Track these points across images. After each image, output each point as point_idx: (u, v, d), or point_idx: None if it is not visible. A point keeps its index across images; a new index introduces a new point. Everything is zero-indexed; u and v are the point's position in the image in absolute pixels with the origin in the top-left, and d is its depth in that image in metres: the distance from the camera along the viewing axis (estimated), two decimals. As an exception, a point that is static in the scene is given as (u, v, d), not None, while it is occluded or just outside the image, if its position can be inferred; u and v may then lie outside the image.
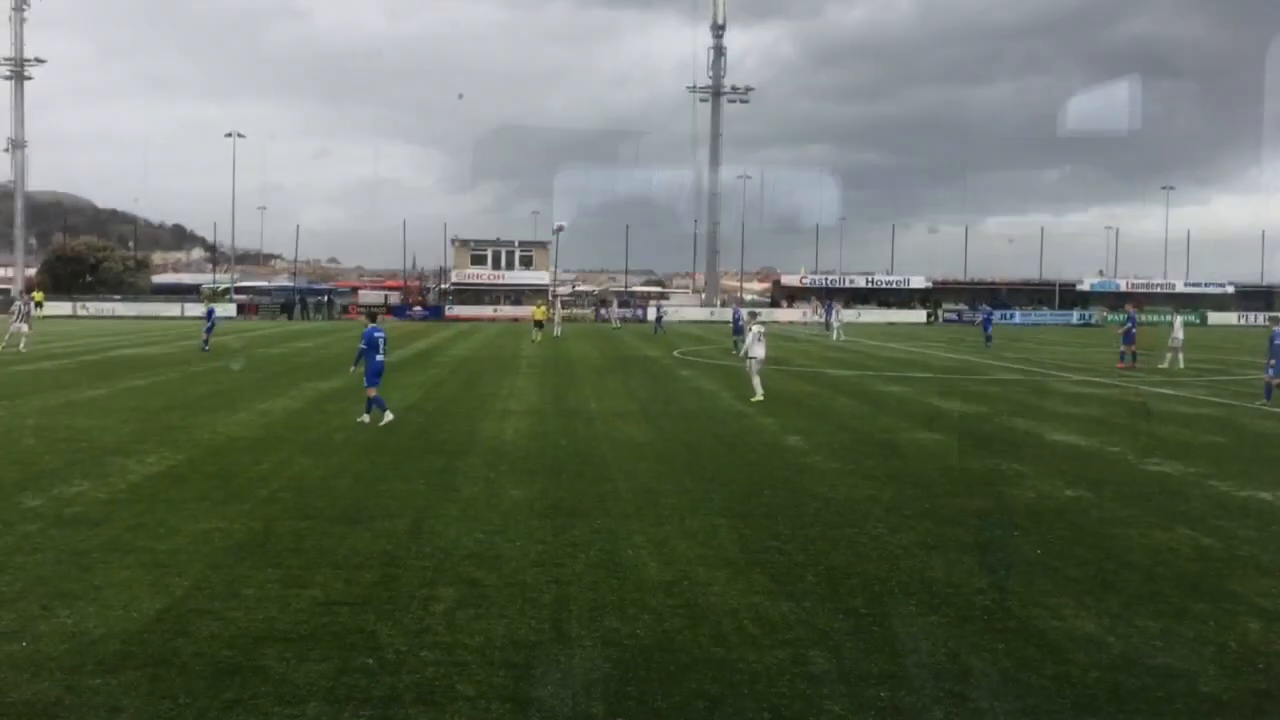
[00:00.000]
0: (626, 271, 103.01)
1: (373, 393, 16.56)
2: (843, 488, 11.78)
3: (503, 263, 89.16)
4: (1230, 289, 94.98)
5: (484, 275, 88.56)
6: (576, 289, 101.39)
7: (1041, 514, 10.53)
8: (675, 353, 38.31)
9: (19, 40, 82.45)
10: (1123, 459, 14.19)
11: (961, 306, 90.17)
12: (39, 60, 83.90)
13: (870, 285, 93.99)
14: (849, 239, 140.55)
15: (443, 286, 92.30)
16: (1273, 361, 21.17)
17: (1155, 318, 68.33)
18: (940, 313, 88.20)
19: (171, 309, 77.59)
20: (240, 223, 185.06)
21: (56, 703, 5.51)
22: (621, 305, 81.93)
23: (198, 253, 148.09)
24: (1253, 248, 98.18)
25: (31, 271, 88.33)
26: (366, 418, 16.50)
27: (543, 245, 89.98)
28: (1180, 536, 9.59)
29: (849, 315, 62.66)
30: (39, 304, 62.30)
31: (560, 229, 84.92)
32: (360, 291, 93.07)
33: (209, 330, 35.29)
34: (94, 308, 78.00)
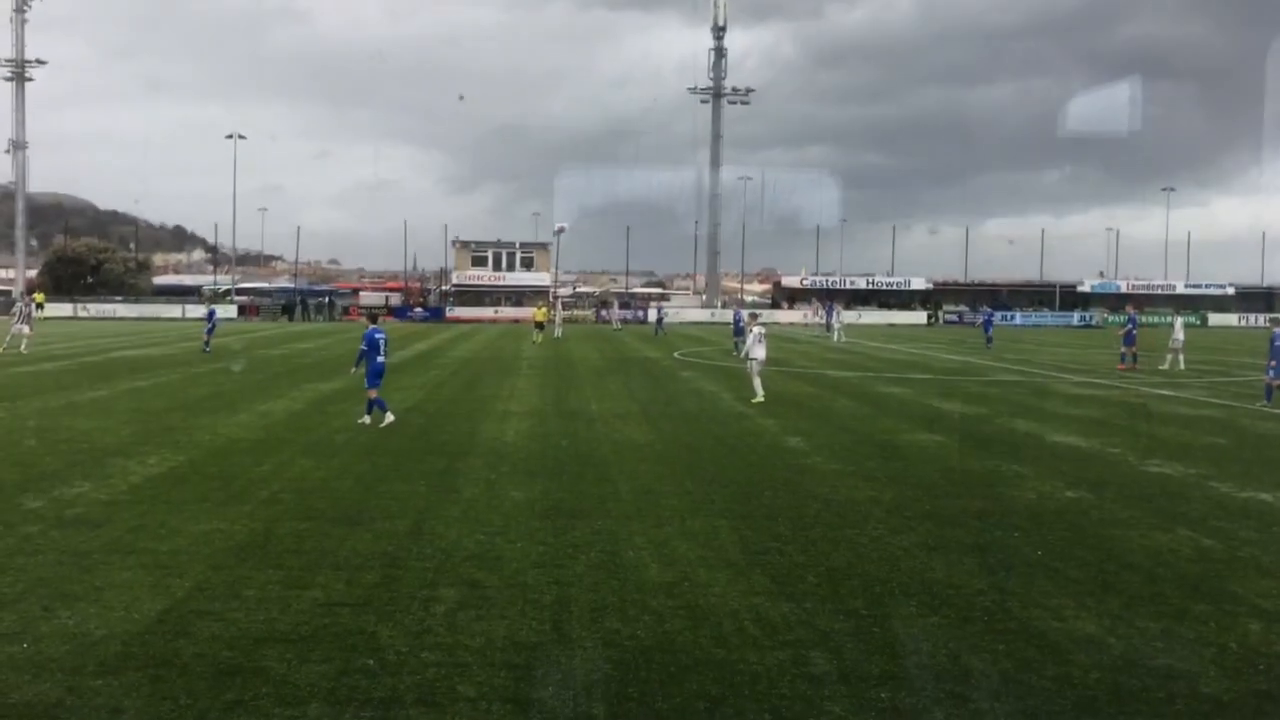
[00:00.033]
0: (627, 273, 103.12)
1: (374, 394, 16.57)
2: (843, 489, 11.78)
3: (503, 264, 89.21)
4: (1231, 290, 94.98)
5: (485, 277, 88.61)
6: (577, 290, 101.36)
7: (1042, 515, 10.53)
8: (676, 354, 38.31)
9: (20, 41, 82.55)
10: (1123, 460, 14.19)
11: (962, 308, 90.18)
12: (40, 61, 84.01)
13: (871, 287, 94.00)
14: (849, 240, 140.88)
15: (443, 288, 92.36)
16: (1273, 363, 21.16)
17: (1156, 319, 68.37)
18: (941, 314, 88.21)
19: (172, 310, 77.66)
20: (241, 224, 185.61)
21: (58, 704, 5.51)
22: (622, 306, 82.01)
23: (198, 254, 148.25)
24: (1253, 249, 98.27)
25: (32, 273, 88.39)
26: (367, 419, 16.51)
27: (543, 246, 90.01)
28: (1181, 538, 9.59)
29: (850, 317, 62.65)
30: (40, 305, 62.33)
31: (561, 230, 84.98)
32: (361, 293, 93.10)
33: (210, 332, 35.32)
34: (95, 309, 78.05)
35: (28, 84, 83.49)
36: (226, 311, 70.61)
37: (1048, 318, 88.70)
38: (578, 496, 11.17)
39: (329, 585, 7.67)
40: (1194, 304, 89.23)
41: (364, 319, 21.07)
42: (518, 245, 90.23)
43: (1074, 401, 22.36)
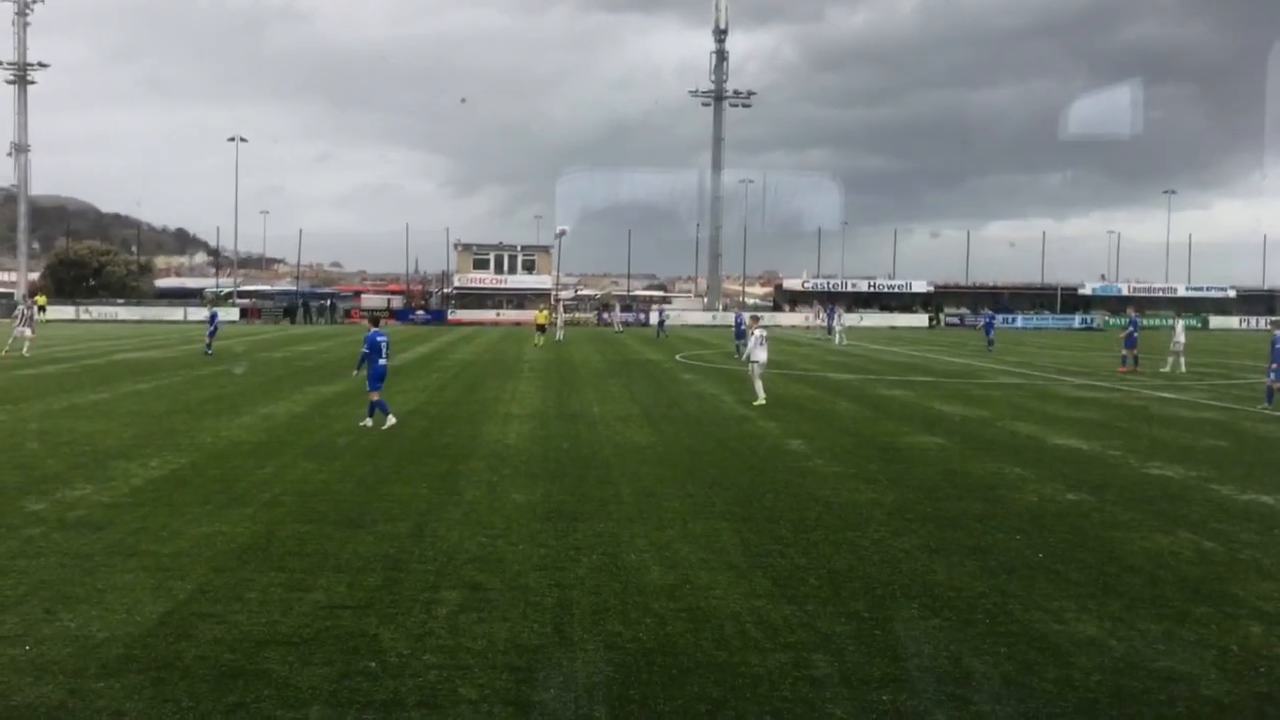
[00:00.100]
0: (629, 275, 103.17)
1: (375, 397, 16.58)
2: (845, 492, 11.79)
3: (505, 267, 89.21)
4: (1232, 293, 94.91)
5: (486, 279, 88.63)
6: (579, 293, 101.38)
7: (1043, 518, 10.53)
8: (677, 356, 38.32)
9: (22, 44, 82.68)
10: (1124, 463, 14.19)
11: (963, 310, 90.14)
12: (42, 64, 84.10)
13: (872, 289, 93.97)
14: (851, 243, 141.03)
15: (445, 291, 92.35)
16: (1274, 365, 21.16)
17: (1157, 322, 68.36)
18: (942, 317, 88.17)
19: (174, 313, 77.72)
20: (243, 227, 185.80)
21: (59, 706, 5.52)
22: (624, 309, 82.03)
23: (200, 257, 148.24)
24: (1254, 252, 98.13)
25: (34, 276, 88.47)
26: (369, 421, 16.52)
27: (545, 249, 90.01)
28: (1182, 540, 9.59)
29: (851, 319, 62.64)
30: (42, 308, 62.35)
31: (563, 233, 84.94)
32: (363, 296, 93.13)
33: (212, 334, 35.35)
34: (97, 312, 78.10)
35: (30, 87, 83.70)
36: (228, 314, 70.61)
37: (1049, 320, 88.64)
38: (579, 499, 11.17)
39: (331, 588, 7.67)
40: (1195, 307, 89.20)
41: (366, 322, 21.07)
42: (519, 248, 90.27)
43: (1075, 404, 22.36)
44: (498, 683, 5.90)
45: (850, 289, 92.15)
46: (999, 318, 65.49)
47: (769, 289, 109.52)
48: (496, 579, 7.99)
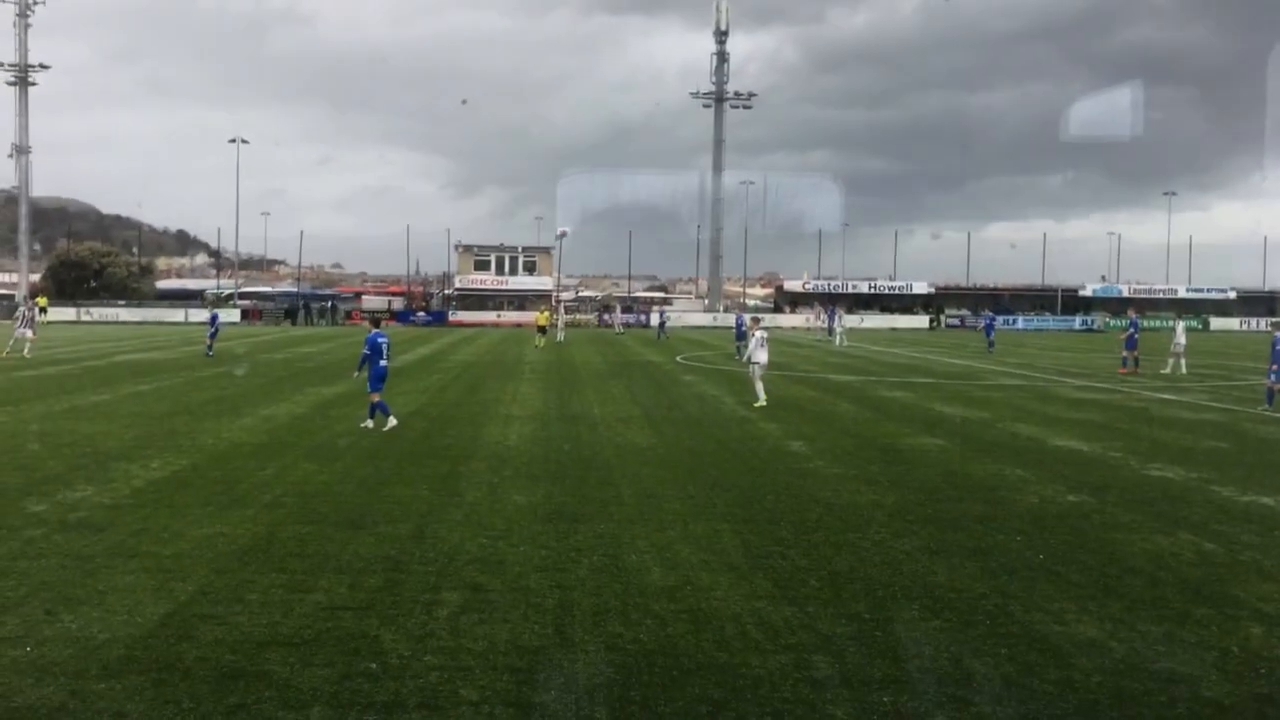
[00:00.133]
0: (630, 277, 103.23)
1: (376, 398, 16.59)
2: (845, 493, 11.79)
3: (506, 268, 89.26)
4: (1232, 294, 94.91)
5: (487, 281, 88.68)
6: (580, 294, 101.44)
7: (1044, 519, 10.53)
8: (678, 358, 38.33)
9: (23, 46, 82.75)
10: (1125, 464, 14.19)
11: (964, 312, 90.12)
12: (43, 66, 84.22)
13: (873, 291, 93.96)
14: (852, 244, 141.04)
15: (446, 292, 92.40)
16: (1275, 367, 21.17)
17: (1157, 323, 68.38)
18: (943, 318, 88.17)
19: (175, 314, 77.76)
20: (244, 228, 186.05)
21: (60, 707, 5.52)
22: (625, 311, 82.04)
23: (202, 258, 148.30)
24: (1255, 253, 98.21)
25: (36, 277, 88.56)
26: (370, 423, 16.53)
27: (546, 251, 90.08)
28: (1182, 542, 9.59)
29: (852, 321, 62.65)
30: (43, 309, 62.39)
31: (563, 234, 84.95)
32: (364, 297, 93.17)
33: (213, 335, 35.37)
34: (98, 313, 78.19)
35: (31, 88, 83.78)
36: (229, 316, 70.67)
37: (1049, 322, 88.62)
38: (580, 500, 11.18)
39: (332, 589, 7.68)
40: (1195, 308, 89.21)
41: (366, 323, 21.08)
42: (520, 249, 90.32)
43: (1076, 406, 22.35)
44: (499, 684, 5.90)
45: (851, 290, 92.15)
46: (1000, 319, 65.50)
47: (770, 290, 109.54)
48: (497, 580, 7.99)
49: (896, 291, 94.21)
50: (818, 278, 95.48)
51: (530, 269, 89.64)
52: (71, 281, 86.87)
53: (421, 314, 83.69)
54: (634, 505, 10.93)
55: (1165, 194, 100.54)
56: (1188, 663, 6.40)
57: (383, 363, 16.69)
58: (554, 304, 73.44)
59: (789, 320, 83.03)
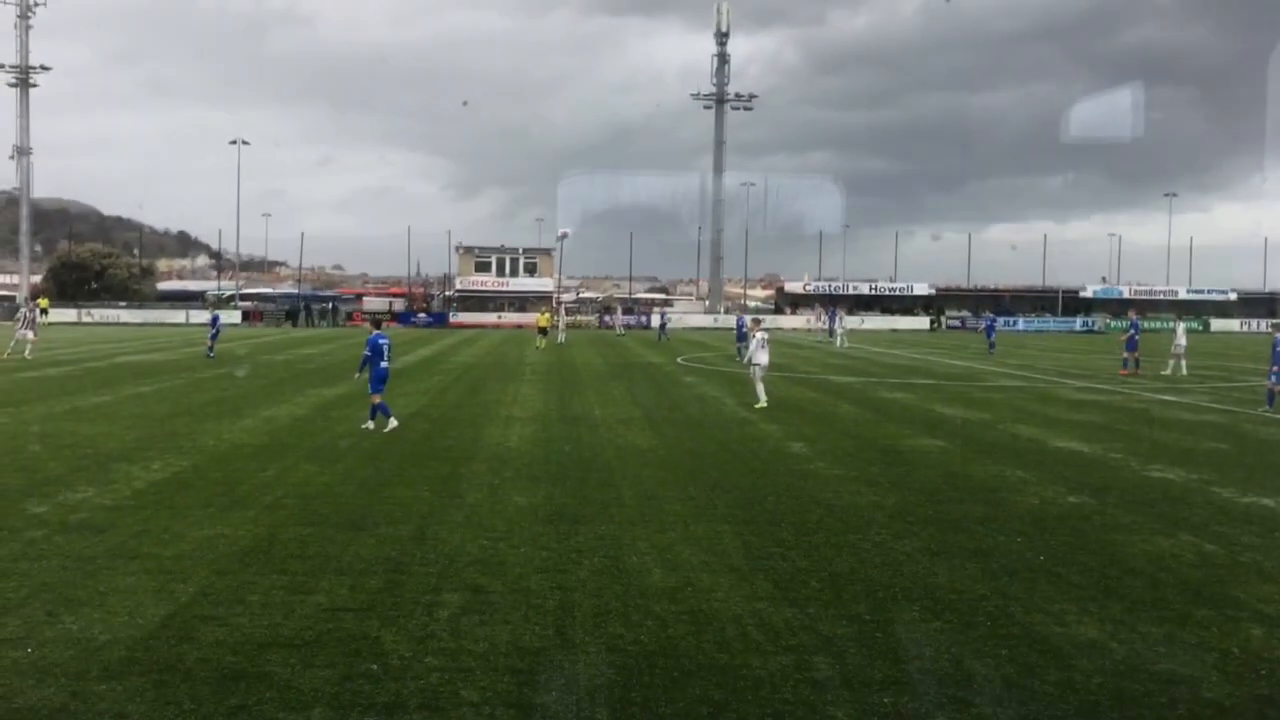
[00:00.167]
0: (630, 278, 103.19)
1: (377, 399, 16.60)
2: (846, 494, 11.79)
3: (507, 269, 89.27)
4: (1233, 296, 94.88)
5: (488, 282, 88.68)
6: (580, 296, 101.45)
7: (1044, 520, 10.54)
8: (679, 359, 38.34)
9: (24, 47, 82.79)
10: (1125, 466, 14.19)
11: (965, 313, 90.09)
12: (44, 67, 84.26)
13: (874, 292, 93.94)
14: (852, 246, 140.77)
15: (447, 293, 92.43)
16: (1275, 368, 21.18)
17: (1158, 324, 68.36)
18: (944, 319, 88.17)
19: (176, 316, 77.76)
20: (245, 230, 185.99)
21: (61, 709, 5.53)
22: (625, 312, 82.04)
23: (202, 259, 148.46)
24: (1255, 255, 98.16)
25: (37, 278, 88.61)
26: (371, 424, 16.53)
27: (547, 252, 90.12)
28: (1183, 543, 9.59)
29: (852, 322, 62.65)
30: (44, 311, 62.45)
31: (564, 236, 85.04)
32: (365, 298, 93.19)
33: (214, 337, 35.39)
34: (99, 314, 78.23)
35: (32, 89, 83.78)
36: (230, 317, 70.71)
37: (1050, 323, 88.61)
38: (581, 502, 11.18)
39: (333, 590, 7.68)
40: (1196, 309, 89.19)
41: (367, 324, 21.09)
42: (521, 251, 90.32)
43: (1076, 407, 22.35)
44: (499, 685, 5.91)
45: (852, 292, 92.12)
46: (1000, 320, 65.47)
47: (770, 292, 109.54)
48: (498, 581, 8.00)
49: (897, 293, 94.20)
50: (818, 279, 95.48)
51: (531, 270, 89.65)
52: (72, 283, 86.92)
53: (422, 315, 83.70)
54: (635, 507, 10.93)
55: (1166, 195, 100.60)
56: (1188, 664, 6.41)
57: (384, 364, 16.70)
58: (555, 305, 73.45)
59: (790, 322, 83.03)
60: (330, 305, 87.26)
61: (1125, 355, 32.65)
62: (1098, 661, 6.41)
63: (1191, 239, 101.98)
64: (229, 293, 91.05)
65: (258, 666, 6.12)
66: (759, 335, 21.94)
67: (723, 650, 6.52)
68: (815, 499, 11.49)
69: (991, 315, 58.94)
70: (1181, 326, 33.99)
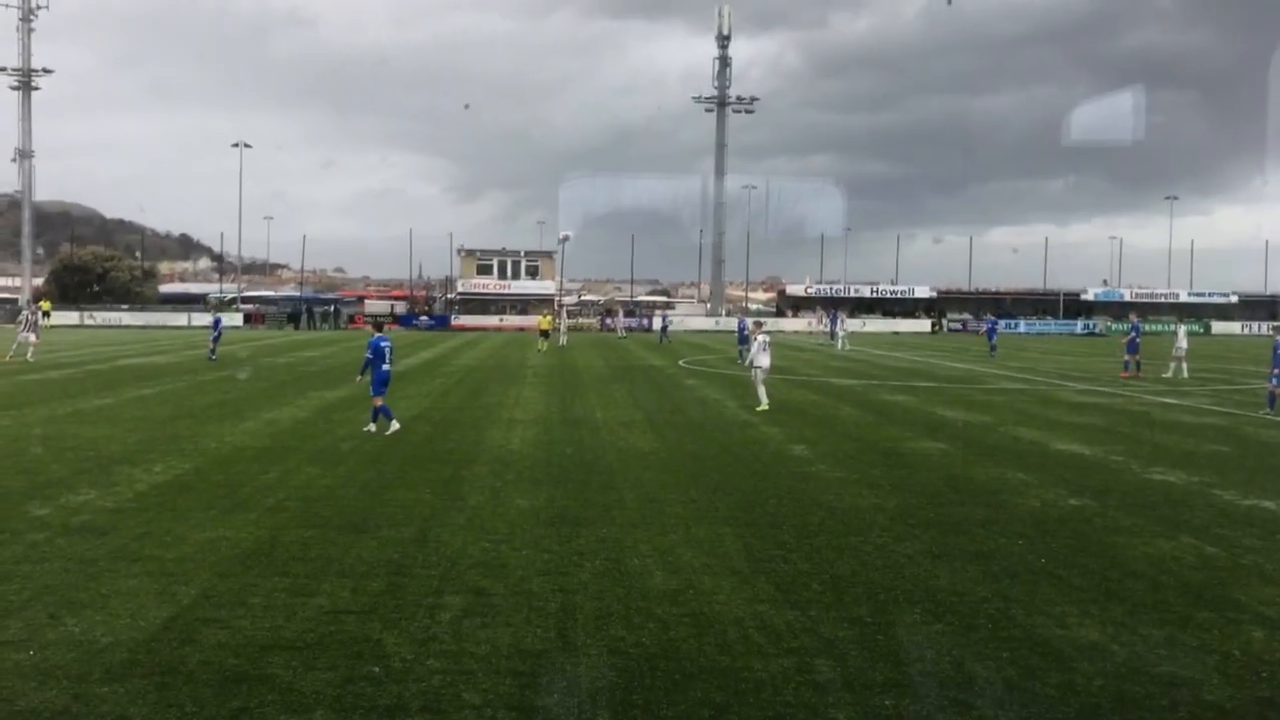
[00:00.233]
0: (632, 281, 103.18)
1: (379, 402, 16.61)
2: (848, 497, 11.79)
3: (509, 272, 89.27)
4: (1234, 299, 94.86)
5: (490, 285, 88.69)
6: (582, 299, 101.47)
7: (1046, 523, 10.54)
8: (680, 362, 38.34)
9: (26, 50, 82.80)
10: (1127, 468, 14.19)
11: (966, 316, 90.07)
12: (46, 70, 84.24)
13: (875, 295, 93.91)
14: (854, 249, 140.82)
15: (449, 296, 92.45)
16: (1277, 371, 21.18)
17: (1159, 327, 68.34)
18: (945, 322, 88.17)
19: (178, 318, 77.79)
20: (247, 232, 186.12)
21: (63, 711, 5.54)
22: (627, 315, 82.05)
23: (204, 262, 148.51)
24: (1256, 257, 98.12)
25: (39, 281, 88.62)
26: (373, 427, 16.55)
27: (548, 255, 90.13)
28: (1184, 545, 9.59)
29: (854, 325, 62.65)
30: (46, 314, 62.48)
31: (566, 239, 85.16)
32: (366, 301, 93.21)
33: (216, 340, 35.40)
34: (101, 317, 78.25)
35: (34, 92, 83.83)
36: (232, 320, 70.75)
37: (1051, 326, 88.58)
38: (583, 504, 11.19)
39: (334, 593, 7.69)
40: (1197, 312, 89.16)
41: (369, 327, 21.11)
42: (523, 253, 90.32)
43: (1077, 409, 22.35)
44: (501, 688, 5.91)
45: (853, 294, 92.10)
46: (1001, 323, 65.46)
47: (772, 294, 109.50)
48: (500, 584, 8.00)
49: (898, 296, 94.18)
50: (820, 282, 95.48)
51: (533, 273, 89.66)
52: (74, 286, 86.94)
53: (424, 318, 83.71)
54: (636, 509, 10.94)
55: (1167, 198, 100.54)
56: (1189, 666, 6.41)
57: (385, 367, 16.71)
58: (556, 308, 73.46)
59: (791, 324, 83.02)
60: (332, 308, 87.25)
61: (1126, 358, 32.63)
62: (1099, 664, 6.41)
63: (1192, 242, 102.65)
64: (231, 295, 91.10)
65: (260, 669, 6.12)
66: (760, 338, 21.93)
67: (724, 653, 6.53)
68: (817, 501, 11.49)
69: (993, 318, 58.93)
70: (1183, 329, 33.99)
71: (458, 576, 8.20)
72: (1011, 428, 18.59)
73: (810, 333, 74.21)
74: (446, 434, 16.87)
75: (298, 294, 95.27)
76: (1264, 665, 6.46)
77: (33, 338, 34.23)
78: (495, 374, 31.26)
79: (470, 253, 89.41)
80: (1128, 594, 7.97)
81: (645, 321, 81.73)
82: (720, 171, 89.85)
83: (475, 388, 26.26)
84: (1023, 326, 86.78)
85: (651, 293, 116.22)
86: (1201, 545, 9.59)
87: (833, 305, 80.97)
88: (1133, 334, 33.16)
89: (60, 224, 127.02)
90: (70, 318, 75.26)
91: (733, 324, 56.24)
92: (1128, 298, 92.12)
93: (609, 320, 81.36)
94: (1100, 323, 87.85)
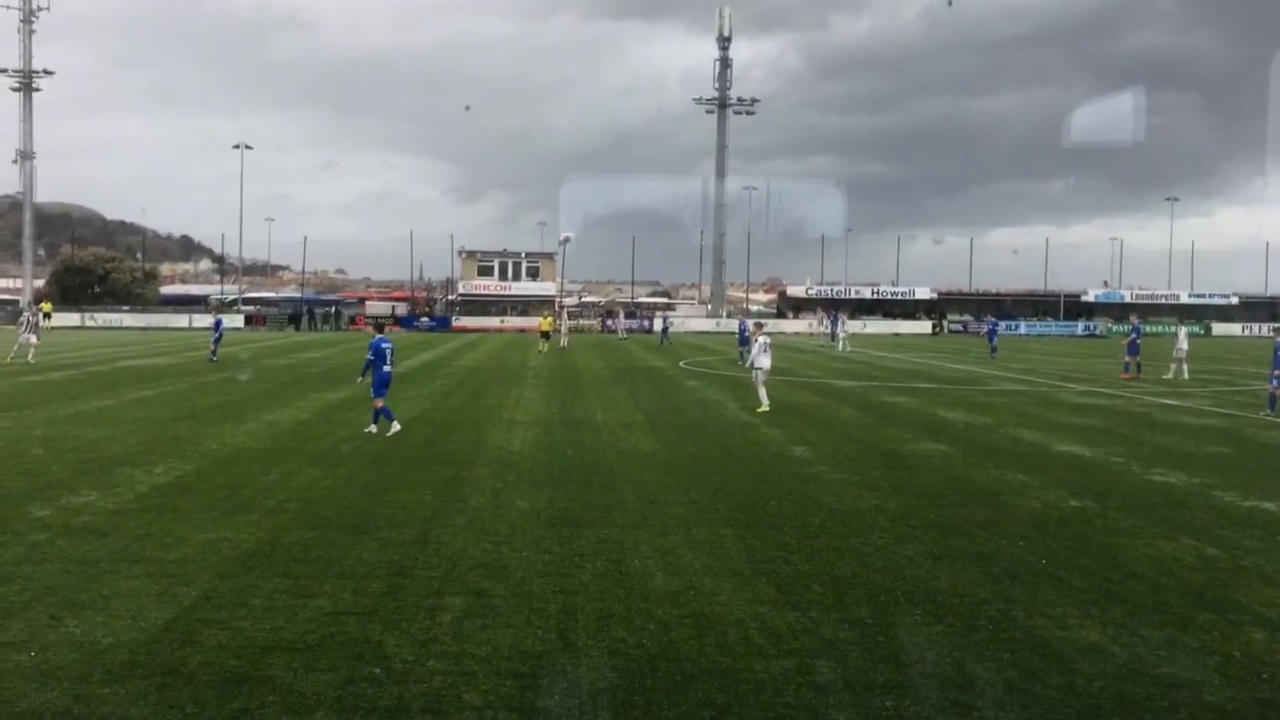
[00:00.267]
0: (633, 282, 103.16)
1: (380, 403, 16.62)
2: (848, 498, 11.79)
3: (509, 274, 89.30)
4: (1234, 300, 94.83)
5: (491, 286, 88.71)
6: (583, 300, 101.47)
7: (1046, 524, 10.54)
8: (681, 363, 38.35)
9: (27, 52, 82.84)
10: (1127, 470, 14.18)
11: (967, 318, 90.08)
12: (47, 72, 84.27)
13: (876, 296, 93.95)
14: (854, 250, 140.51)
15: (450, 297, 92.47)
16: (1277, 372, 21.19)
17: (1160, 328, 68.34)
18: (945, 324, 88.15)
19: (179, 320, 77.84)
20: (247, 234, 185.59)
21: (64, 712, 5.54)
22: (628, 316, 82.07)
23: (205, 264, 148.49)
24: (1257, 259, 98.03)
25: (40, 283, 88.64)
26: (374, 428, 16.55)
27: (549, 256, 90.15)
28: (1185, 547, 9.59)
29: (854, 326, 62.65)
30: (47, 315, 62.54)
31: (566, 240, 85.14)
32: (367, 302, 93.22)
33: (217, 341, 35.41)
34: (102, 319, 78.33)
35: (35, 94, 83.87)
36: (233, 321, 70.78)
37: (1052, 327, 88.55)
38: (583, 505, 11.19)
39: (335, 594, 7.70)
40: (1198, 313, 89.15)
41: (370, 328, 21.12)
42: (523, 255, 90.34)
43: (1078, 411, 22.35)
44: (502, 689, 5.92)
45: (854, 296, 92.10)
46: (1002, 325, 65.44)
47: (773, 296, 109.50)
48: (501, 585, 8.01)
49: (899, 297, 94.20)
50: (820, 283, 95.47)
51: (533, 274, 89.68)
52: (76, 287, 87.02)
53: (425, 319, 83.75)
54: (637, 510, 10.94)
55: (1167, 199, 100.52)
56: (1190, 668, 6.41)
57: (386, 368, 16.72)
58: (557, 309, 73.48)
59: (792, 326, 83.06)
60: (333, 309, 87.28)
61: (1127, 359, 32.63)
62: (1099, 665, 6.42)
63: (1193, 243, 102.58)
64: (232, 297, 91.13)
65: (260, 670, 6.13)
66: (761, 339, 21.94)
67: (725, 654, 6.53)
68: (817, 503, 11.49)
69: (993, 319, 58.92)
70: (1183, 330, 33.99)
71: (458, 578, 8.21)
72: (1012, 429, 18.59)
73: (811, 334, 74.22)
74: (447, 435, 16.87)
75: (299, 295, 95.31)
76: (1264, 667, 6.46)
77: (34, 339, 34.26)
78: (496, 375, 31.27)
79: (471, 254, 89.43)
80: (1128, 595, 7.97)
81: (646, 323, 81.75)
82: (721, 173, 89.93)
83: (476, 389, 26.27)
84: (1023, 328, 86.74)
85: (652, 294, 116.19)
86: (1202, 547, 9.59)
87: (833, 306, 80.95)
88: (1133, 335, 33.17)
89: (61, 225, 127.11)
90: (71, 319, 75.33)
91: (733, 325, 56.26)
92: (1128, 299, 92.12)
93: (610, 322, 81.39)
94: (1101, 324, 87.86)
